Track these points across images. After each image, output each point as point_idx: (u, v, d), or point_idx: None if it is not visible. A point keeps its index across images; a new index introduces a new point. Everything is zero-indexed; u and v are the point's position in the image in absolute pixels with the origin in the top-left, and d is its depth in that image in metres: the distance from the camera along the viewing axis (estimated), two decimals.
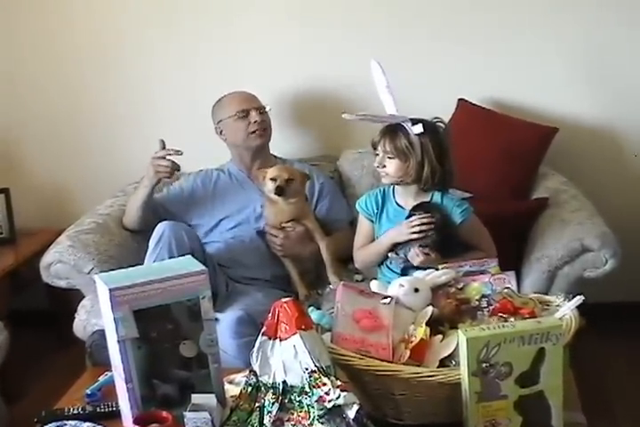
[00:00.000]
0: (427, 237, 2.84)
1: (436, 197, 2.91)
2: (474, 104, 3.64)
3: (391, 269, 2.94)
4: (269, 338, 1.99)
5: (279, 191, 3.16)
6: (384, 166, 2.85)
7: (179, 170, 3.28)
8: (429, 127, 2.81)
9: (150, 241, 3.00)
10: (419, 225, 2.83)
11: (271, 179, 3.18)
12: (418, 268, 2.75)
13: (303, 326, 1.94)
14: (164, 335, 2.05)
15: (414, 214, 2.86)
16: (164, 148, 3.23)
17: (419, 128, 2.78)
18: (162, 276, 2.02)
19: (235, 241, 3.31)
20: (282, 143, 3.58)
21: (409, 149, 2.79)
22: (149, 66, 3.89)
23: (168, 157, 3.22)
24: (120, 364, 2.01)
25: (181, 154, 3.20)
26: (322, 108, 3.81)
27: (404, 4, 3.71)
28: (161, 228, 3.00)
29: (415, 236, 2.83)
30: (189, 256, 2.26)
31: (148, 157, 3.83)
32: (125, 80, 3.91)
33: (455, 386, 1.89)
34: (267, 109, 3.47)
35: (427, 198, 2.91)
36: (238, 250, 3.29)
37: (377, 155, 2.88)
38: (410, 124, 2.79)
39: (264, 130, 3.43)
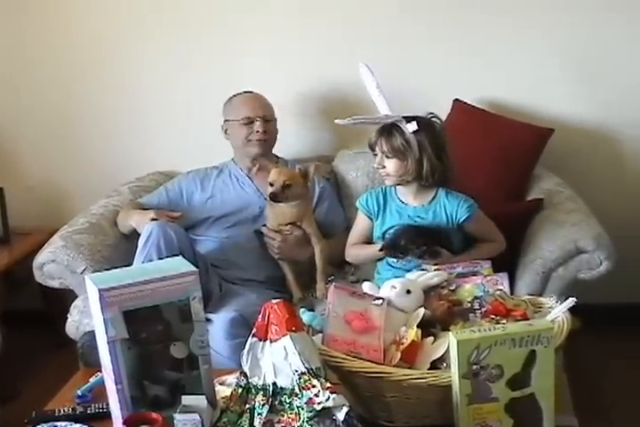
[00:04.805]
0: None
1: (441, 195, 2.92)
2: (469, 105, 3.63)
3: (391, 266, 2.94)
4: (260, 339, 1.99)
5: (273, 197, 3.12)
6: (384, 167, 2.86)
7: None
8: (424, 124, 2.83)
9: (139, 241, 2.99)
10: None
11: (270, 183, 3.14)
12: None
13: (293, 328, 1.94)
14: (155, 336, 2.04)
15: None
16: None
17: (413, 126, 2.79)
18: (152, 276, 2.01)
19: (229, 241, 3.30)
20: (278, 143, 3.54)
21: (405, 147, 2.80)
22: (147, 65, 3.88)
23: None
24: (110, 365, 2.00)
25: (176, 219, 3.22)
26: (318, 109, 3.81)
27: (400, 5, 3.69)
28: (149, 227, 2.98)
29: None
30: (180, 257, 2.24)
31: (142, 157, 3.86)
32: (121, 80, 3.90)
33: (446, 388, 1.89)
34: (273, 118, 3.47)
35: (430, 196, 2.92)
36: (232, 251, 3.28)
37: (375, 155, 2.89)
38: (404, 122, 2.80)
39: (265, 140, 3.42)
